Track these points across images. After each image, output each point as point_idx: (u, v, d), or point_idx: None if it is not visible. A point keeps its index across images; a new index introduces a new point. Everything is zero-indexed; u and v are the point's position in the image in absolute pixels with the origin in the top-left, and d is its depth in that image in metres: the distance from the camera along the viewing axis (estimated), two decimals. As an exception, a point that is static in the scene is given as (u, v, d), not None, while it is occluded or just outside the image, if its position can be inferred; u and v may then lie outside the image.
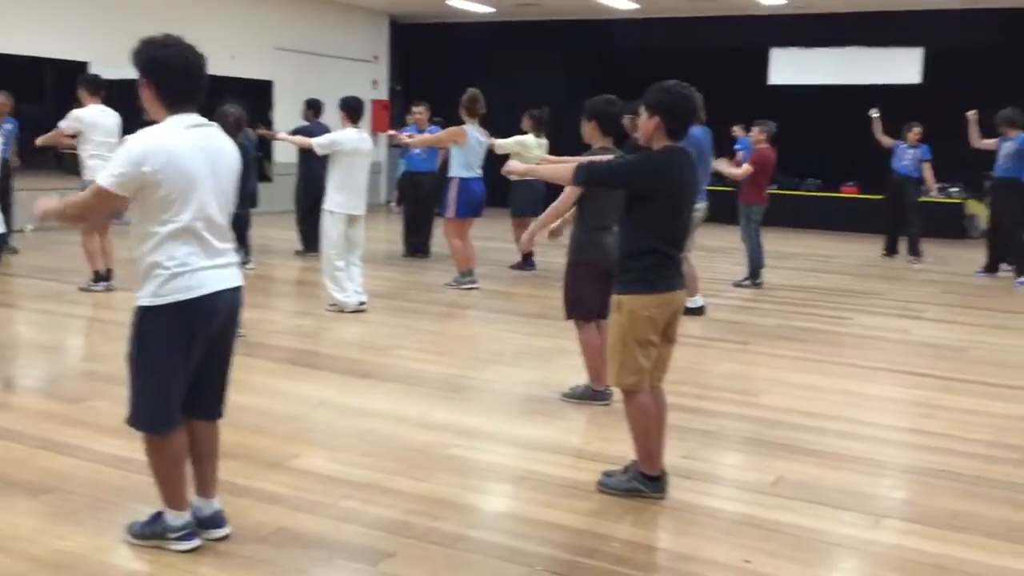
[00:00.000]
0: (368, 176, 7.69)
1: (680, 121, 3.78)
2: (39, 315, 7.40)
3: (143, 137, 3.07)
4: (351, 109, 7.63)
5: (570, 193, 4.96)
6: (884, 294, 9.46)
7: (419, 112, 10.85)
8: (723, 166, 9.24)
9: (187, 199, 3.06)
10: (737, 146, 13.28)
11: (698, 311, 7.89)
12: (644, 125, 3.81)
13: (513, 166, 4.45)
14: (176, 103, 3.12)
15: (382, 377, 5.72)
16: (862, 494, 4.07)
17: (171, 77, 3.09)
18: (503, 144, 9.45)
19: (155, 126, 3.12)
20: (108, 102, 8.18)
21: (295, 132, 10.55)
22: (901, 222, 12.08)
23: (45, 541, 3.35)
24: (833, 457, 4.51)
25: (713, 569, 3.32)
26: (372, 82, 17.75)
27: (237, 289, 3.27)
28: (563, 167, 4.01)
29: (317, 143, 7.53)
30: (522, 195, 10.28)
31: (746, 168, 9.16)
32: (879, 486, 4.21)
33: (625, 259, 3.82)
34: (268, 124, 14.89)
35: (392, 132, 10.59)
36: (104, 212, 3.13)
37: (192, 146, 3.09)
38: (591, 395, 5.26)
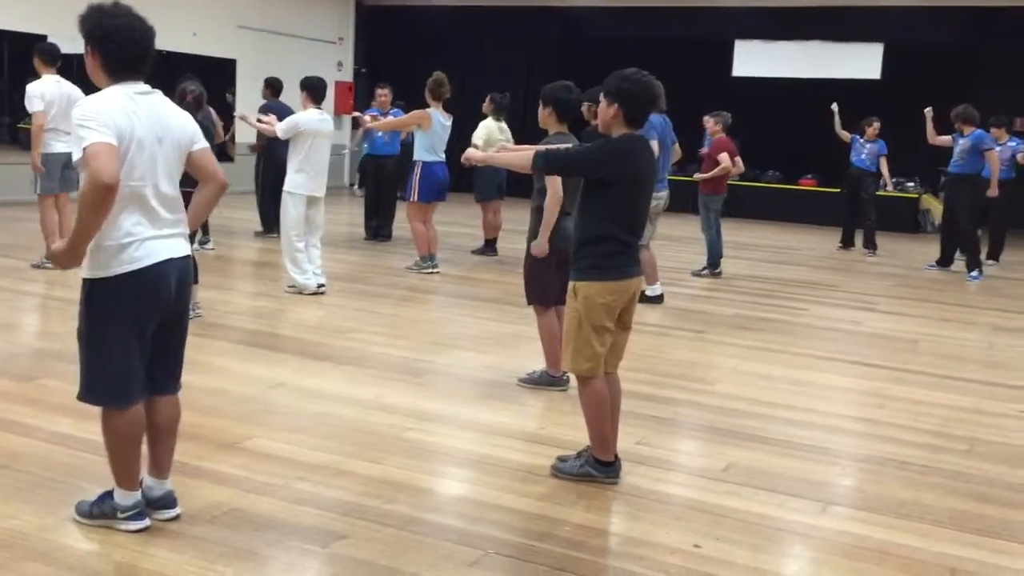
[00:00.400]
0: (329, 157, 7.63)
1: (639, 109, 3.79)
2: (-10, 292, 7.27)
3: (92, 99, 3.01)
4: (313, 89, 7.57)
5: (556, 183, 4.94)
6: (839, 286, 9.60)
7: (383, 95, 10.79)
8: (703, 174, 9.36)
9: (132, 164, 3.01)
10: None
11: (657, 299, 7.95)
12: (603, 112, 3.83)
13: (471, 153, 4.44)
14: (121, 73, 3.07)
15: (340, 360, 5.70)
16: (811, 481, 4.14)
17: (117, 46, 3.04)
18: (475, 140, 9.51)
19: (101, 92, 3.06)
20: (64, 75, 8.02)
21: (260, 110, 10.50)
22: (858, 215, 12.26)
23: (-9, 520, 3.31)
24: (784, 445, 4.58)
25: (664, 553, 3.36)
26: (337, 64, 17.60)
27: (186, 258, 3.22)
28: (521, 154, 4.02)
29: (280, 128, 7.46)
30: (485, 180, 10.29)
31: (725, 163, 9.17)
32: (828, 474, 4.29)
33: (582, 245, 3.84)
34: (227, 104, 14.73)
35: (357, 113, 10.53)
36: (114, 173, 2.88)
37: (139, 111, 3.04)
38: (548, 381, 5.29)
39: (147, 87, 3.13)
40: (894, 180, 13.66)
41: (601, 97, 3.84)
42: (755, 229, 14.39)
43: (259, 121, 8.19)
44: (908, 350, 6.86)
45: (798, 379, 5.85)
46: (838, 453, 4.56)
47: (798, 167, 16.05)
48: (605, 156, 3.77)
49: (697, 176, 9.52)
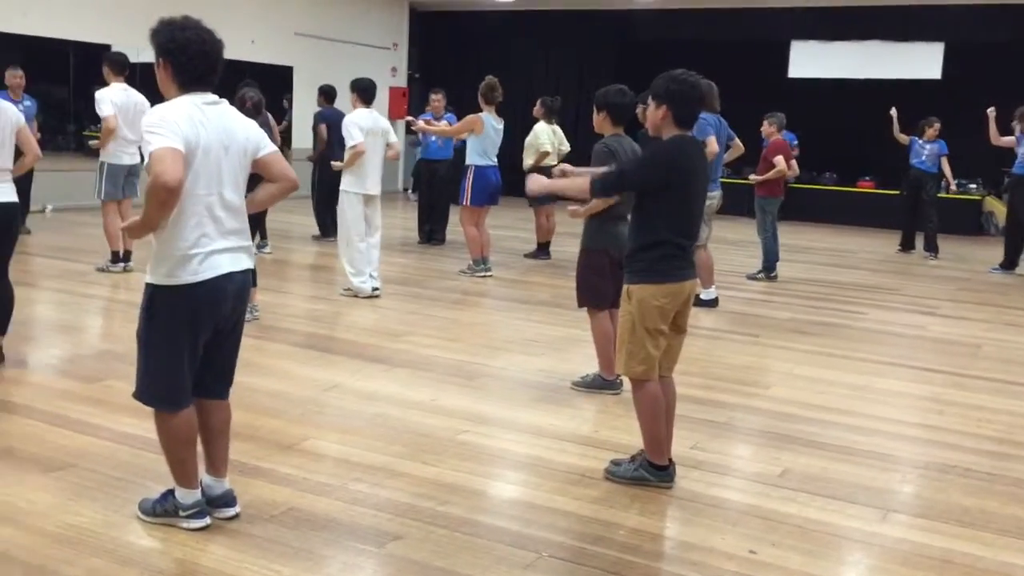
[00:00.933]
0: (383, 155, 7.70)
1: (688, 110, 3.78)
2: (57, 295, 7.47)
3: (160, 108, 3.10)
4: (363, 91, 7.66)
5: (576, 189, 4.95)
6: (899, 289, 9.42)
7: (436, 100, 10.86)
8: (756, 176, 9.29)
9: (198, 172, 3.08)
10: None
11: (712, 303, 7.89)
12: (652, 115, 3.82)
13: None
14: (190, 84, 3.15)
15: (394, 362, 5.75)
16: (870, 488, 4.08)
17: (188, 58, 3.12)
18: (527, 144, 9.67)
19: (171, 101, 3.14)
20: (131, 83, 8.23)
21: (315, 116, 10.73)
22: (918, 218, 12.02)
23: (58, 516, 3.40)
24: (842, 451, 4.51)
25: (718, 559, 3.34)
26: (391, 69, 17.76)
27: (246, 272, 3.29)
28: (578, 182, 3.97)
29: (348, 137, 7.45)
30: (538, 184, 10.30)
31: (780, 165, 9.07)
32: (888, 480, 4.21)
33: (636, 249, 3.83)
34: (282, 110, 14.96)
35: (411, 118, 10.61)
36: (178, 176, 3.00)
37: (206, 121, 3.11)
38: (601, 384, 5.28)
39: (215, 97, 3.20)
40: (956, 181, 13.37)
41: (649, 99, 3.83)
42: (812, 232, 14.19)
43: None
44: (970, 355, 6.71)
45: (856, 384, 5.76)
46: (898, 459, 4.48)
47: (856, 169, 15.78)
48: (658, 163, 3.75)
49: (752, 178, 9.42)
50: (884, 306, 8.46)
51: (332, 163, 8.24)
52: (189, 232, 3.11)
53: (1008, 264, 10.65)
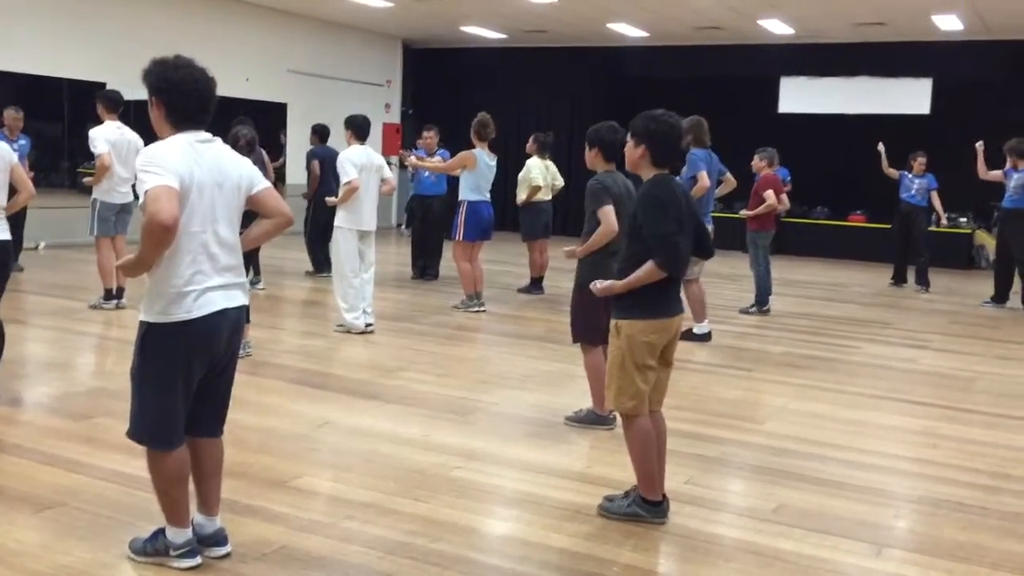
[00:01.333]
0: (377, 191, 7.74)
1: (665, 150, 3.82)
2: (49, 332, 7.46)
3: (154, 147, 3.12)
4: (357, 127, 7.71)
5: (609, 216, 4.98)
6: (891, 323, 9.45)
7: (429, 136, 10.93)
8: (746, 211, 9.34)
9: (193, 210, 3.10)
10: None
11: (705, 337, 7.90)
12: (630, 153, 3.85)
13: (598, 286, 3.97)
14: (184, 123, 3.17)
15: (387, 398, 5.74)
16: (865, 523, 4.06)
17: (180, 98, 3.14)
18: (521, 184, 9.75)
19: (164, 140, 3.16)
20: (124, 120, 8.28)
21: (308, 155, 10.81)
22: (910, 251, 12.09)
23: (48, 556, 3.37)
24: (836, 485, 4.50)
25: (712, 595, 3.32)
26: (384, 106, 17.89)
27: (240, 308, 3.30)
28: (645, 274, 3.75)
29: (346, 178, 7.46)
30: (532, 219, 10.35)
31: (771, 200, 9.12)
32: (882, 515, 4.20)
33: (625, 284, 3.84)
34: (279, 147, 15.05)
35: (404, 151, 10.66)
36: (173, 215, 2.98)
37: (200, 159, 3.13)
38: (594, 419, 5.27)
39: (208, 135, 3.23)
40: (946, 215, 13.47)
41: (628, 138, 3.86)
42: (804, 266, 14.25)
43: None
44: (963, 388, 6.72)
45: (850, 418, 5.75)
46: (892, 494, 4.47)
47: (847, 203, 15.89)
48: (668, 205, 3.73)
49: (743, 213, 9.48)
50: (877, 340, 8.48)
51: (327, 199, 8.28)
52: (184, 269, 3.12)
53: (999, 298, 10.70)
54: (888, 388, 6.64)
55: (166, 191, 2.97)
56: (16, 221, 7.77)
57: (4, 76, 11.64)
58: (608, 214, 5.00)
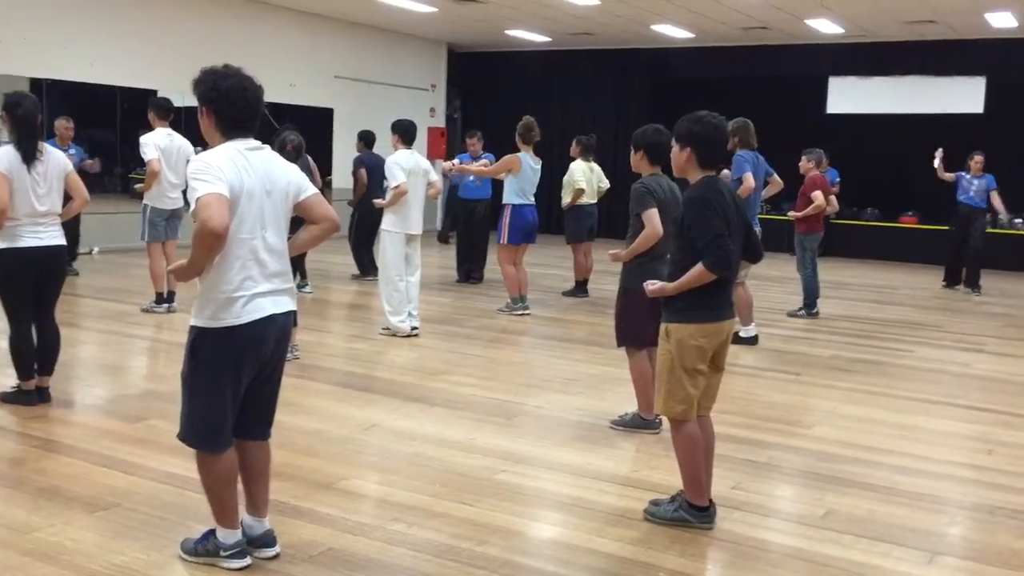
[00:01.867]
0: (424, 195, 7.78)
1: (711, 151, 3.78)
2: (102, 335, 7.61)
3: (205, 155, 3.17)
4: (404, 131, 7.76)
5: (654, 219, 4.97)
6: (943, 326, 9.28)
7: (472, 143, 10.96)
8: (791, 213, 9.22)
9: (242, 217, 3.15)
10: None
11: (751, 341, 7.82)
12: (676, 157, 3.83)
13: (652, 287, 3.93)
14: (233, 131, 3.22)
15: (432, 401, 5.77)
16: (916, 530, 3.99)
17: (230, 106, 3.20)
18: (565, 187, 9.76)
19: (215, 148, 3.22)
20: (175, 125, 8.43)
21: (355, 162, 10.91)
22: (964, 253, 11.84)
23: (102, 556, 3.44)
24: (887, 491, 4.43)
25: (760, 602, 3.28)
26: (429, 110, 17.98)
27: (288, 314, 3.34)
28: (696, 274, 3.72)
29: (391, 179, 7.54)
30: (576, 222, 10.33)
31: (819, 201, 9.02)
32: (935, 522, 4.13)
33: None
34: (327, 151, 15.20)
35: (452, 162, 10.65)
36: (224, 222, 3.05)
37: (249, 167, 3.18)
38: (640, 423, 5.25)
39: (257, 143, 3.28)
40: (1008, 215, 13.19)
41: (672, 142, 3.83)
42: (853, 268, 14.05)
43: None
44: (1018, 393, 6.57)
45: (901, 423, 5.66)
46: (945, 500, 4.39)
47: (898, 204, 15.63)
48: (714, 206, 3.71)
49: (791, 214, 9.37)
50: (929, 343, 8.33)
51: (374, 201, 8.34)
52: (233, 275, 3.16)
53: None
54: (940, 392, 6.52)
55: (216, 199, 3.02)
56: (71, 227, 7.94)
57: (59, 85, 11.91)
58: (652, 217, 4.97)
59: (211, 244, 3.03)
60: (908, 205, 15.52)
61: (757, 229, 7.78)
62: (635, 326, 5.07)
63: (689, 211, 3.75)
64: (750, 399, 6.06)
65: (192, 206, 3.09)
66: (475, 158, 10.77)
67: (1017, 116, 14.06)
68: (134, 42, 12.71)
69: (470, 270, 11.11)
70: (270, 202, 3.24)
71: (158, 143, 8.12)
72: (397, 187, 7.50)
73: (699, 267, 3.70)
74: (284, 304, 3.31)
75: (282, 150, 6.71)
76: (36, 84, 11.79)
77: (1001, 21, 13.31)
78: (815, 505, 4.24)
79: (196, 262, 3.12)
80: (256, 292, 3.20)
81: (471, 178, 10.77)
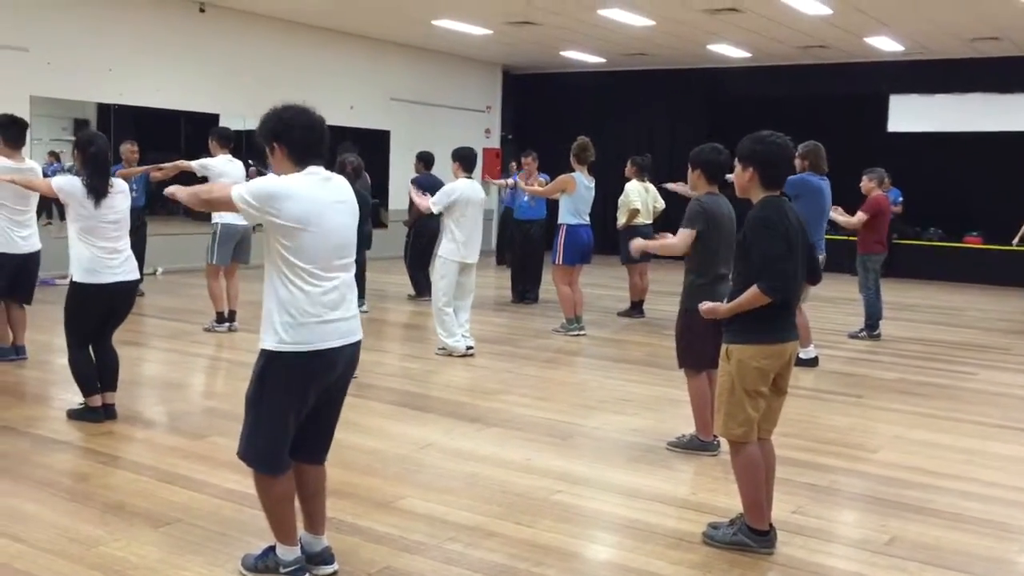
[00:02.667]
0: (481, 224, 7.83)
1: (775, 171, 3.74)
2: (165, 354, 7.77)
3: (280, 182, 3.22)
4: (464, 159, 7.80)
5: (686, 239, 4.96)
6: (1011, 349, 9.03)
7: (528, 162, 10.99)
8: (836, 215, 9.02)
9: (316, 248, 3.21)
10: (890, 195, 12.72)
11: (811, 362, 7.70)
12: (739, 177, 3.79)
13: (709, 308, 3.93)
14: (303, 160, 3.28)
15: (488, 421, 5.77)
16: (986, 558, 3.88)
17: (297, 132, 3.26)
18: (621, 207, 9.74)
19: (294, 175, 3.26)
20: (235, 152, 8.62)
21: (413, 182, 10.94)
22: None
23: (166, 571, 3.50)
24: (954, 518, 4.32)
25: (824, 629, 3.21)
26: (484, 131, 18.12)
27: (357, 343, 3.38)
28: (749, 299, 3.68)
29: (433, 202, 7.65)
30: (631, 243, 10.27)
31: (860, 216, 8.92)
32: (1005, 550, 4.01)
33: (736, 308, 3.77)
34: (384, 173, 15.37)
35: (507, 180, 10.70)
36: (222, 209, 3.41)
37: (324, 198, 3.24)
38: (698, 445, 5.19)
39: (327, 172, 3.33)
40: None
41: (736, 162, 3.80)
42: (917, 289, 13.76)
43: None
44: (1092, 418, 6.36)
45: (968, 448, 5.51)
46: (1014, 528, 4.26)
47: (962, 224, 15.29)
48: (779, 233, 3.66)
49: (835, 217, 8.86)
50: (996, 366, 8.12)
51: (416, 200, 8.34)
52: (305, 302, 3.21)
53: None
54: (1009, 417, 6.34)
55: (231, 204, 3.22)
56: (138, 247, 8.15)
57: (127, 110, 12.25)
58: (684, 237, 4.96)
59: (219, 208, 3.31)
60: (972, 225, 15.18)
61: (822, 256, 7.67)
62: (695, 347, 5.02)
63: (750, 231, 3.72)
64: (811, 422, 5.96)
65: (219, 220, 3.23)
66: (530, 177, 10.80)
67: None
68: (197, 67, 13.03)
69: (524, 290, 11.12)
70: (340, 233, 3.29)
71: (214, 165, 8.31)
72: (429, 208, 7.67)
73: (754, 289, 3.66)
74: (353, 333, 3.35)
75: (342, 171, 6.82)
76: (103, 109, 12.16)
77: (1068, 36, 13.01)
78: (879, 531, 4.14)
79: (200, 199, 3.44)
80: (326, 319, 3.24)
81: (526, 198, 10.81)
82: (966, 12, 11.85)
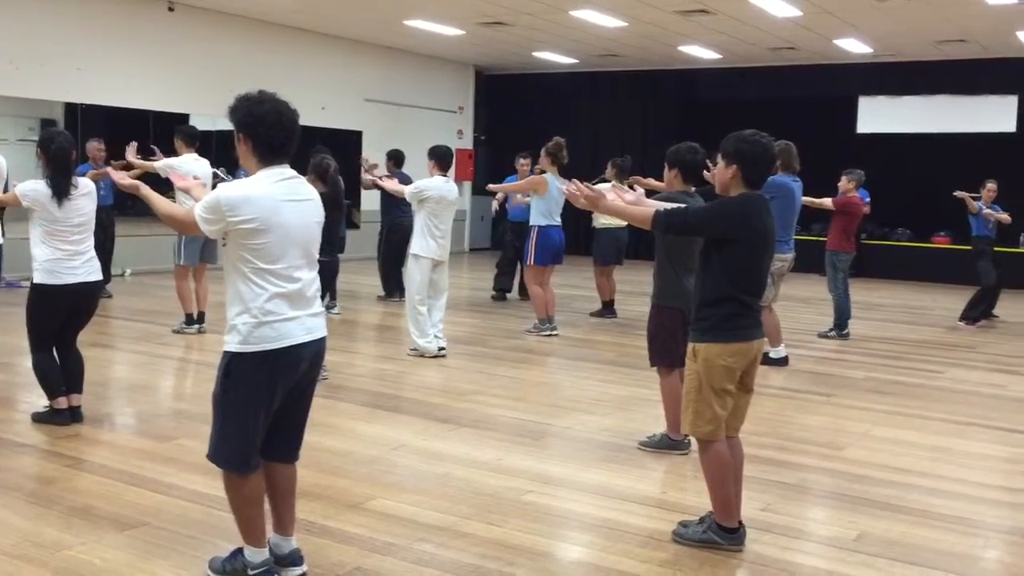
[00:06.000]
0: (452, 223, 7.83)
1: (758, 170, 3.76)
2: (134, 356, 7.69)
3: (235, 188, 3.21)
4: (440, 157, 7.79)
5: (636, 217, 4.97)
6: (978, 347, 9.15)
7: (524, 164, 10.88)
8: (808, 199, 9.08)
9: (278, 248, 3.18)
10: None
11: (781, 362, 7.75)
12: (721, 174, 3.81)
13: (599, 198, 4.18)
14: (270, 157, 3.25)
15: (461, 422, 5.76)
16: (952, 553, 3.92)
17: (267, 131, 3.22)
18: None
19: (250, 178, 3.25)
20: (201, 151, 8.54)
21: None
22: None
23: (132, 574, 3.45)
24: (921, 514, 4.36)
25: (792, 626, 3.23)
26: (457, 132, 18.09)
27: (322, 339, 3.36)
28: (643, 211, 3.97)
29: (408, 191, 7.72)
30: (606, 244, 10.29)
31: (829, 202, 8.97)
32: (970, 546, 4.05)
33: (702, 306, 3.80)
34: (357, 173, 15.30)
35: (491, 186, 10.64)
36: (180, 230, 3.32)
37: (282, 198, 3.21)
38: (668, 444, 5.21)
39: (292, 172, 3.30)
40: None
41: (719, 158, 3.83)
42: (885, 289, 13.91)
43: (383, 179, 8.87)
44: (1056, 415, 6.45)
45: (935, 445, 5.58)
46: (980, 524, 4.31)
47: (929, 225, 15.48)
48: (724, 215, 3.75)
49: (808, 201, 8.93)
50: (962, 365, 8.22)
51: (365, 176, 8.43)
52: (266, 302, 3.19)
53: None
54: (975, 414, 6.42)
55: (193, 226, 3.23)
56: (105, 248, 8.07)
57: (95, 109, 12.11)
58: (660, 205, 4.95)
59: (184, 231, 3.43)
60: (940, 225, 15.36)
61: (791, 255, 7.74)
62: (668, 345, 5.04)
63: (711, 203, 3.79)
64: (781, 420, 6.00)
65: (208, 193, 3.25)
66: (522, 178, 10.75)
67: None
68: (166, 67, 12.91)
69: (504, 285, 11.19)
70: (302, 231, 3.26)
71: (179, 165, 8.23)
72: (402, 191, 7.83)
73: (649, 211, 3.86)
74: (316, 329, 3.33)
75: (326, 173, 6.78)
76: (71, 108, 12.01)
77: (1033, 39, 13.20)
78: (847, 528, 4.18)
79: (167, 217, 3.47)
80: (288, 316, 3.22)
81: (519, 198, 10.75)
82: (933, 15, 12.00)
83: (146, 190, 3.49)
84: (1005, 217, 10.62)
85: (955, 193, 10.81)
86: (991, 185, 11.11)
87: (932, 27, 12.75)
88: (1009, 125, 14.96)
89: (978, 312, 10.67)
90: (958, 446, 5.59)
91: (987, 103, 15.19)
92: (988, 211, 10.57)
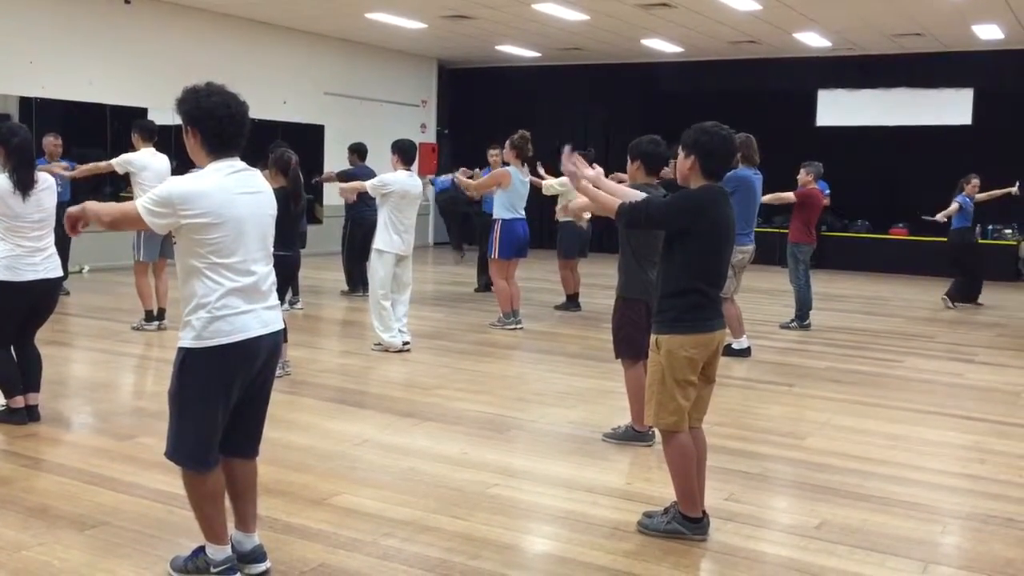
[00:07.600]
0: (415, 217, 7.80)
1: (717, 161, 3.79)
2: (92, 353, 7.57)
3: (186, 182, 3.15)
4: (403, 151, 7.75)
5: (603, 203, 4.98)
6: (936, 337, 9.29)
7: (495, 155, 10.81)
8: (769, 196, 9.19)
9: (232, 242, 3.14)
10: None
11: (744, 352, 7.82)
12: (681, 164, 3.83)
13: (579, 183, 4.05)
14: (219, 150, 3.20)
15: (425, 416, 5.74)
16: (910, 539, 3.98)
17: (215, 124, 3.16)
18: (549, 185, 9.49)
19: (199, 171, 3.20)
20: (161, 146, 8.42)
21: (341, 175, 10.75)
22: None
23: (92, 574, 3.40)
24: (880, 501, 4.42)
25: (755, 613, 3.26)
26: (420, 126, 18.02)
27: (277, 332, 3.33)
28: (611, 201, 3.95)
29: (369, 184, 7.67)
30: (570, 237, 10.31)
31: (790, 196, 9.08)
32: (928, 532, 4.12)
33: (664, 298, 3.82)
34: (318, 168, 15.20)
35: (456, 176, 10.63)
36: (130, 229, 3.25)
37: (235, 191, 3.17)
38: (633, 436, 5.23)
39: (242, 164, 3.26)
40: (991, 228, 13.25)
41: (679, 149, 3.85)
42: (845, 280, 14.08)
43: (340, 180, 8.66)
44: (1010, 402, 6.57)
45: (894, 433, 5.66)
46: (938, 510, 4.38)
47: (888, 216, 15.70)
48: (684, 209, 3.76)
49: (769, 197, 9.07)
50: (921, 354, 8.35)
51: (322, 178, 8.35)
52: (221, 296, 3.15)
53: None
54: (933, 403, 6.52)
55: (138, 221, 3.17)
56: (62, 244, 7.90)
57: (50, 103, 11.91)
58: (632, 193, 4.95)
59: (132, 228, 3.46)
60: (898, 217, 15.58)
61: (751, 247, 7.81)
62: (633, 337, 5.06)
63: (672, 196, 3.79)
64: (744, 411, 6.06)
65: (145, 201, 3.14)
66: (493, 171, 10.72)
67: (1005, 127, 14.16)
68: (123, 60, 12.73)
69: (487, 281, 11.24)
70: (256, 224, 3.22)
71: (135, 160, 8.11)
72: (363, 186, 7.76)
73: (618, 203, 3.84)
74: (273, 322, 3.30)
75: (288, 166, 6.70)
76: (25, 102, 11.80)
77: (988, 33, 13.42)
78: (809, 516, 4.22)
79: (109, 220, 3.32)
80: (243, 310, 3.18)
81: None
82: (890, 9, 12.16)
83: (92, 212, 3.30)
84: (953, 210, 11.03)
85: (923, 217, 11.30)
86: (975, 181, 11.31)
87: (889, 21, 12.92)
88: (965, 118, 15.20)
89: (963, 296, 11.10)
90: (917, 434, 5.68)
91: (943, 96, 15.42)
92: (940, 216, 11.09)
